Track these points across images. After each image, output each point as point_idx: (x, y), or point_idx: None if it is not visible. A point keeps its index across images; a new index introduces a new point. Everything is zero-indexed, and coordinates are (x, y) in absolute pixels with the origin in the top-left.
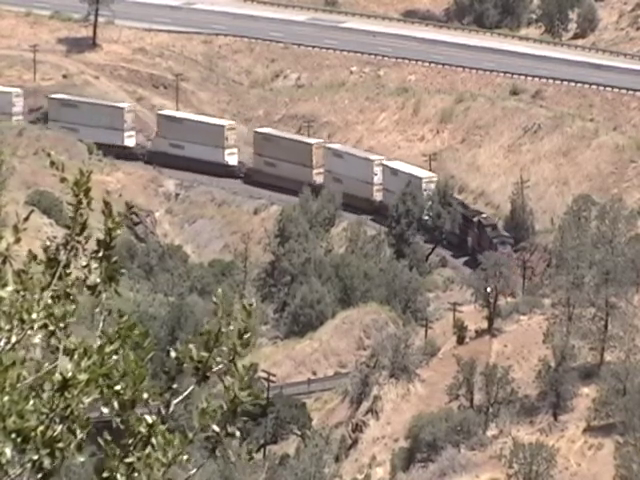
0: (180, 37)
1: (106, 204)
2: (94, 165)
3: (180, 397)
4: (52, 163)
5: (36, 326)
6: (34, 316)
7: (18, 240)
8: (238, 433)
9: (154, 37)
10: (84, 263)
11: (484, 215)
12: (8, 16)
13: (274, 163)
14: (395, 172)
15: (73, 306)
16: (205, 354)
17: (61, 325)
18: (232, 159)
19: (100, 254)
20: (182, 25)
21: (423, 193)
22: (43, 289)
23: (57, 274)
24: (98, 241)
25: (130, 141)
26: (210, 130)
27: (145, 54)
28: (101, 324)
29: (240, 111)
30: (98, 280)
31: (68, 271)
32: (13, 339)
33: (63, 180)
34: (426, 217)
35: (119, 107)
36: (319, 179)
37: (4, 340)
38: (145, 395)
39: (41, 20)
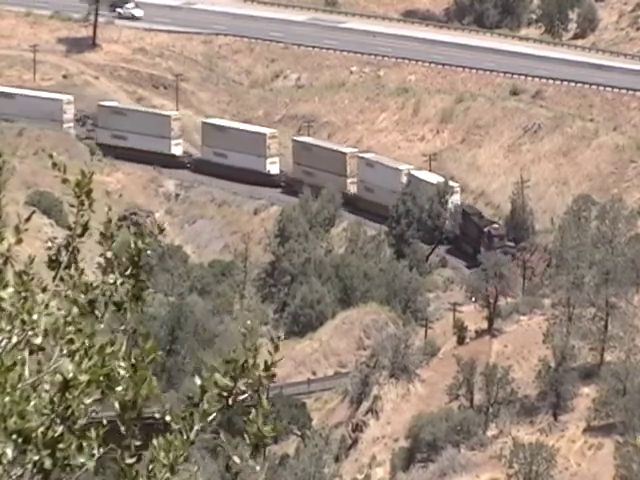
0: (180, 37)
1: (137, 225)
2: (94, 165)
3: (203, 423)
4: (54, 164)
5: (64, 340)
6: (35, 317)
7: (20, 241)
8: (258, 468)
9: (154, 37)
10: (111, 280)
11: (495, 225)
12: (8, 16)
13: (311, 172)
14: (420, 182)
15: (102, 325)
16: (230, 383)
17: (87, 343)
18: (274, 168)
19: (128, 272)
20: (182, 25)
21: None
22: (44, 290)
23: (58, 275)
24: (128, 258)
25: (177, 149)
26: (252, 138)
27: (145, 54)
28: (124, 344)
29: (240, 111)
30: (125, 298)
31: (90, 282)
32: (14, 340)
33: (65, 181)
34: (446, 224)
35: (166, 115)
36: (353, 188)
37: (5, 341)
38: (168, 418)
39: (41, 20)
